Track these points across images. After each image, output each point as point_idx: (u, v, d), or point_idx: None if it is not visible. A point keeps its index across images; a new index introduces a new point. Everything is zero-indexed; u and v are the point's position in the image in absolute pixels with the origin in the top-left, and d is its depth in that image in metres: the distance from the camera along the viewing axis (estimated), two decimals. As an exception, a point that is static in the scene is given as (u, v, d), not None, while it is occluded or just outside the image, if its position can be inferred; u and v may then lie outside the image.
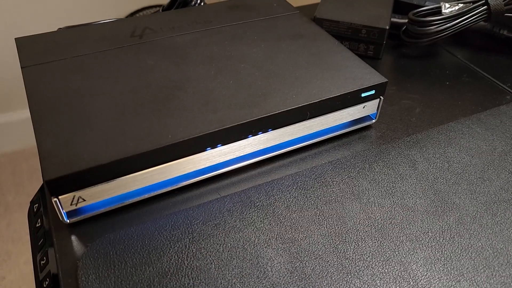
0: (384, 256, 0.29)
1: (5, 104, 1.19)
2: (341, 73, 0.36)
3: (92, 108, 0.31)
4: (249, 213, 0.31)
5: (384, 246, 0.29)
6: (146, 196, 0.31)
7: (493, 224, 0.31)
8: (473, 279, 0.28)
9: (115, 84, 0.33)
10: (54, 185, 0.27)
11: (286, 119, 0.33)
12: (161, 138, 0.29)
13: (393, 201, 0.32)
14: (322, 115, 0.35)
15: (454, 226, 0.31)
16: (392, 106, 0.41)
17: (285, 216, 0.31)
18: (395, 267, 0.28)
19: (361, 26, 0.46)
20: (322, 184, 0.33)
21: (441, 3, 0.47)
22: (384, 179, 0.34)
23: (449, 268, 0.28)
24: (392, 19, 0.49)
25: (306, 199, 0.32)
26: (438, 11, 0.47)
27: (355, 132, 0.38)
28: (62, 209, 0.28)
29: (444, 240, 0.30)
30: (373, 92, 0.36)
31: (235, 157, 0.33)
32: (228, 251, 0.28)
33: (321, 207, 0.32)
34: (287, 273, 0.28)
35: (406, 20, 0.48)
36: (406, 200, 0.32)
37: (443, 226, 0.31)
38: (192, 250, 0.28)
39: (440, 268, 0.28)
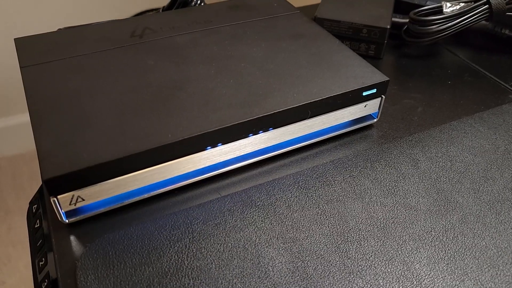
0: (387, 256, 0.28)
1: (5, 108, 1.19)
2: (342, 72, 0.36)
3: (91, 108, 0.31)
4: (250, 213, 0.30)
5: (387, 246, 0.29)
6: (146, 195, 0.31)
7: (497, 223, 0.31)
8: (477, 278, 0.28)
9: (114, 83, 0.33)
10: (53, 184, 0.27)
11: (287, 118, 0.33)
12: (161, 137, 0.29)
13: (396, 200, 0.32)
14: (323, 114, 0.34)
15: (457, 225, 0.31)
16: (393, 105, 0.41)
17: (286, 215, 0.30)
18: (398, 266, 0.28)
19: (362, 26, 0.45)
20: (323, 183, 0.33)
21: (442, 2, 0.47)
22: (386, 178, 0.34)
23: (453, 268, 0.28)
24: (393, 19, 0.49)
25: (307, 198, 0.32)
26: (439, 11, 0.47)
27: (356, 132, 0.38)
28: (61, 209, 0.28)
29: (447, 239, 0.30)
30: (374, 90, 0.35)
31: (235, 156, 0.33)
32: (229, 251, 0.28)
33: (323, 207, 0.31)
34: (289, 273, 0.27)
35: (407, 20, 0.48)
36: (408, 199, 0.32)
37: (447, 225, 0.31)
38: (193, 250, 0.28)
39: (444, 267, 0.28)
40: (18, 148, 1.26)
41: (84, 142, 0.28)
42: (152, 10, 0.51)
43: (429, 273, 0.28)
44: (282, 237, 0.29)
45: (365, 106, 0.36)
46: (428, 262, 0.28)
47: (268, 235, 0.29)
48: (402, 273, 0.28)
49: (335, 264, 0.28)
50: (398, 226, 0.30)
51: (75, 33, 0.39)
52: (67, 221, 0.29)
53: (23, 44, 0.37)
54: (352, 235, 0.30)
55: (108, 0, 1.13)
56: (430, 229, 0.30)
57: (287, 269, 0.27)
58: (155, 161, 0.29)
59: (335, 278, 0.27)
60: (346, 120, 0.36)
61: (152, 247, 0.28)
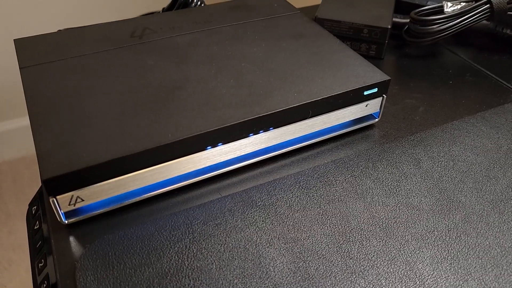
0: (389, 256, 0.28)
1: (5, 112, 1.19)
2: (343, 71, 0.35)
3: (91, 108, 0.31)
4: (251, 213, 0.30)
5: (389, 245, 0.29)
6: (146, 196, 0.30)
7: (501, 222, 0.31)
8: (481, 278, 0.27)
9: (114, 83, 0.33)
10: (52, 184, 0.26)
11: (288, 118, 0.33)
12: (161, 137, 0.29)
13: (398, 200, 0.32)
14: (324, 113, 0.34)
15: (460, 224, 0.30)
16: (395, 105, 0.41)
17: (287, 215, 0.30)
18: (401, 266, 0.28)
19: (362, 26, 0.45)
20: (325, 183, 0.33)
21: (443, 2, 0.46)
22: (388, 178, 0.33)
23: (456, 267, 0.28)
24: (394, 19, 0.49)
25: (308, 198, 0.31)
26: (440, 10, 0.47)
27: (358, 131, 0.38)
28: (60, 209, 0.28)
29: (450, 239, 0.29)
30: (375, 90, 0.35)
31: (236, 156, 0.32)
32: (230, 251, 0.28)
33: (324, 207, 0.31)
34: (290, 273, 0.27)
35: (408, 20, 0.48)
36: (410, 199, 0.32)
37: (449, 225, 0.30)
38: (193, 251, 0.28)
39: (447, 267, 0.28)
40: (19, 152, 1.26)
41: (83, 142, 0.28)
42: (152, 13, 0.51)
43: (432, 273, 0.27)
44: (283, 237, 0.29)
45: (366, 106, 0.36)
46: (431, 261, 0.28)
47: (269, 235, 0.29)
48: (405, 273, 0.27)
49: (337, 264, 0.27)
50: (400, 225, 0.30)
51: (74, 34, 0.39)
52: (66, 221, 0.29)
53: (22, 45, 0.37)
54: (354, 235, 0.29)
55: (108, 2, 1.13)
56: (432, 228, 0.30)
57: (289, 269, 0.27)
58: (155, 161, 0.29)
59: (337, 278, 0.27)
60: (347, 120, 0.36)
61: (152, 247, 0.28)
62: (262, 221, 0.30)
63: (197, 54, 0.37)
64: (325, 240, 0.29)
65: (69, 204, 0.28)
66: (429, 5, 0.47)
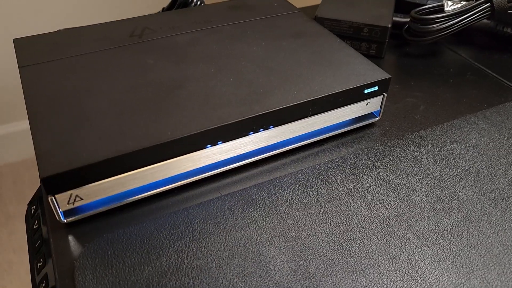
0: (390, 254, 0.28)
1: (6, 115, 1.19)
2: (344, 70, 0.35)
3: (90, 107, 0.31)
4: (251, 211, 0.30)
5: (391, 244, 0.29)
6: (145, 195, 0.30)
7: (503, 220, 0.30)
8: (483, 276, 0.27)
9: (113, 82, 0.33)
10: (51, 182, 0.26)
11: (288, 116, 0.32)
12: (160, 135, 0.29)
13: (399, 198, 0.32)
14: (325, 112, 0.34)
15: (462, 223, 0.30)
16: (395, 104, 0.41)
17: (287, 214, 0.30)
18: (402, 265, 0.27)
19: (363, 25, 0.45)
20: (325, 181, 0.32)
21: (444, 1, 0.46)
22: (389, 176, 0.33)
23: (458, 266, 0.28)
24: (394, 18, 0.49)
25: (309, 197, 0.31)
26: (440, 9, 0.46)
27: (358, 130, 0.37)
28: (59, 208, 0.27)
29: (452, 237, 0.29)
30: (376, 88, 0.35)
31: (236, 155, 0.32)
32: (230, 250, 0.28)
33: (325, 205, 0.31)
34: (291, 271, 0.27)
35: (408, 19, 0.48)
36: (412, 197, 0.32)
37: (451, 223, 0.30)
38: (192, 249, 0.28)
39: (449, 265, 0.27)
40: (19, 155, 1.26)
41: (82, 140, 0.28)
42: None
43: (434, 271, 0.27)
44: (283, 236, 0.29)
45: (366, 104, 0.36)
46: (432, 260, 0.28)
47: (270, 233, 0.29)
48: (407, 272, 0.27)
49: (338, 263, 0.27)
50: (401, 224, 0.30)
51: (74, 34, 0.39)
52: (65, 220, 0.28)
53: (22, 45, 0.37)
54: (355, 233, 0.29)
55: (108, 2, 1.13)
56: (434, 227, 0.30)
57: (289, 268, 0.27)
58: (154, 159, 0.29)
59: (338, 276, 0.27)
60: (348, 118, 0.36)
61: (151, 246, 0.28)
62: (263, 220, 0.29)
63: (197, 53, 0.37)
64: (326, 238, 0.29)
65: (68, 203, 0.28)
66: (429, 4, 0.47)
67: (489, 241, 0.29)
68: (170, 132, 0.29)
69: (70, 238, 0.28)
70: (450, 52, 0.49)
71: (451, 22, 0.45)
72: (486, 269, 0.27)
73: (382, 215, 0.30)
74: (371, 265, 0.27)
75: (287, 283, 0.26)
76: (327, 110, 0.34)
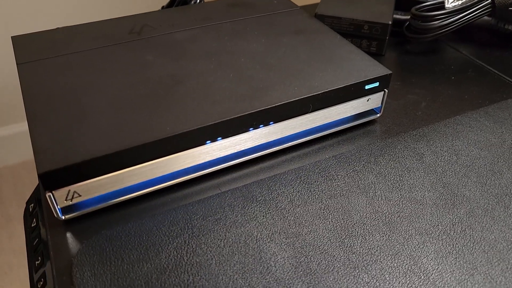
0: (393, 250, 0.28)
1: (6, 117, 1.19)
2: (344, 66, 0.35)
3: (88, 103, 0.30)
4: (251, 208, 0.30)
5: (393, 240, 0.28)
6: (144, 191, 0.30)
7: (506, 216, 0.30)
8: (487, 272, 0.27)
9: (112, 79, 0.33)
10: (49, 178, 0.26)
11: (288, 112, 0.32)
12: (159, 131, 0.28)
13: (401, 194, 0.31)
14: (325, 108, 0.34)
15: (465, 219, 0.30)
16: (397, 100, 0.40)
17: (288, 210, 0.30)
18: (405, 261, 0.27)
19: (363, 22, 0.45)
20: (326, 178, 0.32)
21: (444, -2, 0.46)
22: (390, 173, 0.33)
23: (461, 262, 0.27)
24: (395, 16, 0.49)
25: (310, 193, 0.31)
26: (441, 6, 0.46)
27: (359, 127, 0.37)
28: (57, 205, 0.27)
29: (455, 233, 0.29)
30: (377, 84, 0.35)
31: (236, 151, 0.32)
32: (230, 247, 0.27)
33: (326, 201, 0.30)
34: (292, 268, 0.26)
35: (408, 17, 0.48)
36: (414, 193, 0.31)
37: (454, 219, 0.30)
38: (192, 246, 0.27)
39: (452, 261, 0.27)
40: (19, 157, 1.26)
41: (80, 136, 0.28)
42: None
43: (437, 267, 0.27)
44: (284, 232, 0.28)
45: (367, 101, 0.36)
46: (435, 256, 0.27)
47: (270, 230, 0.28)
48: (409, 268, 0.27)
49: (340, 259, 0.27)
50: (404, 220, 0.29)
51: (72, 31, 0.39)
52: (63, 217, 0.28)
53: (20, 42, 0.37)
54: (357, 229, 0.29)
55: (108, 2, 1.13)
56: (437, 223, 0.29)
57: (290, 264, 0.26)
58: (153, 155, 0.29)
59: (340, 273, 0.26)
60: (349, 115, 0.36)
61: (150, 243, 0.27)
62: (263, 216, 0.29)
63: (196, 50, 0.36)
64: (327, 234, 0.28)
65: (66, 199, 0.27)
66: (430, 1, 0.47)
67: (493, 237, 0.29)
68: (169, 127, 0.28)
69: (68, 235, 0.28)
70: (451, 49, 0.49)
71: (452, 19, 0.45)
72: (490, 265, 0.27)
73: (384, 211, 0.30)
74: (373, 261, 0.27)
75: (288, 279, 0.26)
76: (328, 106, 0.34)
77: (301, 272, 0.26)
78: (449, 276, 0.26)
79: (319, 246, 0.28)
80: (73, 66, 0.34)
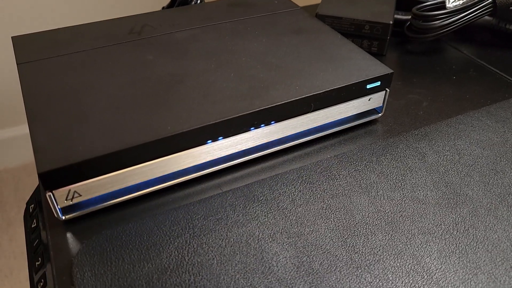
0: (395, 250, 0.27)
1: (6, 119, 1.19)
2: (345, 65, 0.35)
3: (89, 102, 0.30)
4: (253, 208, 0.29)
5: (395, 239, 0.28)
6: (145, 191, 0.30)
7: (509, 215, 0.30)
8: (490, 272, 0.26)
9: (112, 78, 0.32)
10: (49, 178, 0.26)
11: (289, 111, 0.32)
12: (160, 130, 0.28)
13: (403, 193, 0.31)
14: (327, 107, 0.33)
15: (468, 218, 0.30)
16: (398, 100, 0.40)
17: (290, 210, 0.29)
18: (408, 260, 0.27)
19: (364, 22, 0.45)
20: (328, 177, 0.32)
21: (445, -2, 0.46)
22: (392, 172, 0.33)
23: (465, 261, 0.27)
24: (396, 16, 0.48)
25: (311, 192, 0.31)
26: (442, 6, 0.46)
27: (361, 127, 0.37)
28: (57, 205, 0.27)
29: (458, 233, 0.29)
30: (378, 83, 0.35)
31: (237, 151, 0.32)
32: (231, 246, 0.27)
33: (328, 201, 0.30)
34: (294, 268, 0.26)
35: (409, 17, 0.47)
36: (416, 193, 0.31)
37: (457, 219, 0.29)
38: (193, 246, 0.27)
39: (455, 261, 0.27)
40: (20, 160, 1.26)
41: (80, 136, 0.27)
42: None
43: (440, 266, 0.26)
44: (286, 232, 0.28)
45: (369, 100, 0.35)
46: (438, 255, 0.27)
47: (272, 229, 0.28)
48: (412, 267, 0.26)
49: (342, 259, 0.27)
50: (406, 219, 0.29)
51: (72, 31, 0.38)
52: (63, 217, 0.28)
53: (20, 42, 0.37)
54: (359, 229, 0.28)
55: (108, 2, 1.13)
56: (439, 222, 0.29)
57: (292, 264, 0.26)
58: (154, 155, 0.28)
59: (342, 272, 0.26)
60: (350, 114, 0.36)
61: (151, 243, 0.27)
62: (265, 216, 0.29)
63: (197, 50, 0.36)
64: (329, 234, 0.28)
65: (66, 199, 0.27)
66: (431, 1, 0.47)
67: (496, 236, 0.28)
68: (170, 127, 0.28)
69: (69, 235, 0.28)
70: (452, 49, 0.49)
71: (453, 19, 0.45)
72: (494, 264, 0.27)
73: (387, 211, 0.30)
74: (376, 261, 0.27)
75: (290, 279, 0.25)
76: (329, 106, 0.34)
77: (303, 272, 0.26)
78: (453, 275, 0.26)
79: (321, 246, 0.27)
80: (73, 66, 0.34)
